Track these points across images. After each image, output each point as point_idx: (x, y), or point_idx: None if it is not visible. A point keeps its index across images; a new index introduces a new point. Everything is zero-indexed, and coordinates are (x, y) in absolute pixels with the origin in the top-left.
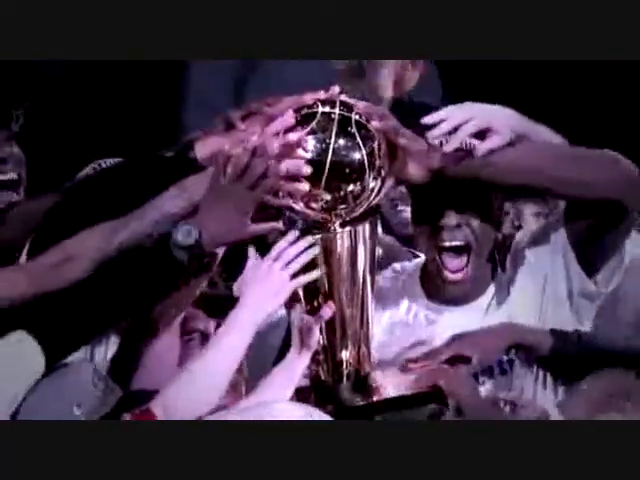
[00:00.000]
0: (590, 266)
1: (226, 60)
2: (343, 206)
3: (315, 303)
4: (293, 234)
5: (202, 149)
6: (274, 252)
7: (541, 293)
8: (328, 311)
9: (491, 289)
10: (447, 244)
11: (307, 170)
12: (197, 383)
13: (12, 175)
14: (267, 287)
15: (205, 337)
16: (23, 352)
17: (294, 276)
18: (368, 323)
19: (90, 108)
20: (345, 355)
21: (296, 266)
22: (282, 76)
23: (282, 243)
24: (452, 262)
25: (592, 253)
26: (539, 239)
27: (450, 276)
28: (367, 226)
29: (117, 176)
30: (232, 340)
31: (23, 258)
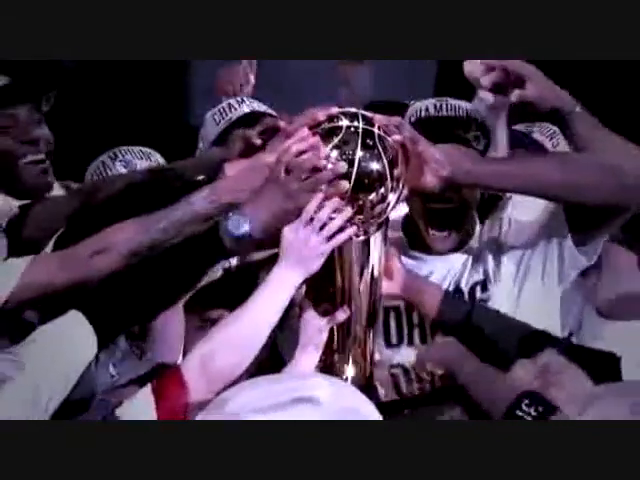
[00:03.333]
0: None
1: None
2: (360, 216)
3: (324, 305)
4: (319, 197)
5: (232, 171)
6: (307, 215)
7: (518, 267)
8: (342, 315)
9: (473, 243)
10: (439, 206)
11: (343, 168)
12: (235, 341)
13: (42, 155)
14: (307, 249)
15: None
16: (76, 332)
17: (330, 237)
18: (376, 327)
19: (99, 97)
20: (351, 357)
21: (332, 227)
22: (286, 67)
23: (311, 206)
24: (439, 221)
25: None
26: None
27: (436, 234)
28: (379, 236)
29: (147, 197)
30: (272, 298)
31: None
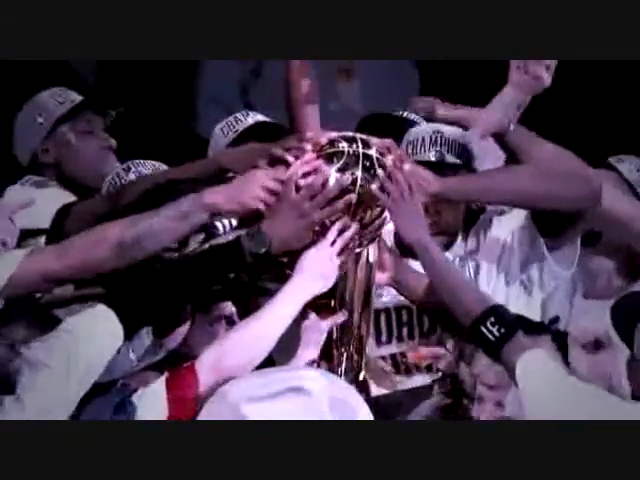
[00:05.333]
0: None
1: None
2: (360, 230)
3: (326, 308)
4: (344, 222)
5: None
6: (330, 237)
7: (495, 270)
8: (342, 317)
9: (458, 251)
10: None
11: (347, 180)
12: (245, 344)
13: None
14: (322, 268)
15: (230, 322)
16: (104, 325)
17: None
18: (369, 327)
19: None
20: (345, 354)
21: (346, 253)
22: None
23: (335, 230)
24: None
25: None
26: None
27: None
28: (374, 247)
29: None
30: (285, 307)
31: None
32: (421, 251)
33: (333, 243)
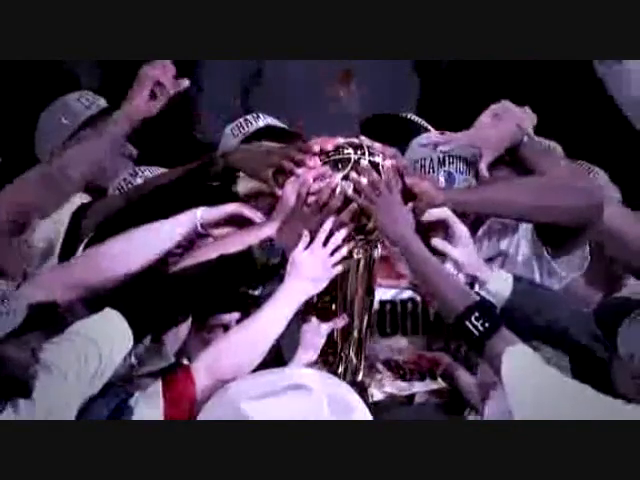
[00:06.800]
0: (557, 250)
1: (234, 63)
2: (361, 236)
3: (327, 311)
4: (331, 223)
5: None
6: (321, 238)
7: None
8: (342, 321)
9: None
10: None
11: (349, 187)
12: (241, 346)
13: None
14: (314, 270)
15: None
16: (114, 329)
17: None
18: (368, 330)
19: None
20: (344, 357)
21: (339, 256)
22: (283, 81)
23: (325, 232)
24: None
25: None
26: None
27: None
28: (375, 253)
29: (168, 194)
30: (279, 309)
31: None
32: (404, 247)
33: (325, 244)
